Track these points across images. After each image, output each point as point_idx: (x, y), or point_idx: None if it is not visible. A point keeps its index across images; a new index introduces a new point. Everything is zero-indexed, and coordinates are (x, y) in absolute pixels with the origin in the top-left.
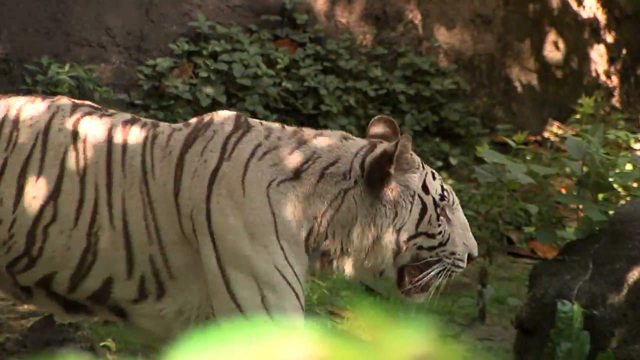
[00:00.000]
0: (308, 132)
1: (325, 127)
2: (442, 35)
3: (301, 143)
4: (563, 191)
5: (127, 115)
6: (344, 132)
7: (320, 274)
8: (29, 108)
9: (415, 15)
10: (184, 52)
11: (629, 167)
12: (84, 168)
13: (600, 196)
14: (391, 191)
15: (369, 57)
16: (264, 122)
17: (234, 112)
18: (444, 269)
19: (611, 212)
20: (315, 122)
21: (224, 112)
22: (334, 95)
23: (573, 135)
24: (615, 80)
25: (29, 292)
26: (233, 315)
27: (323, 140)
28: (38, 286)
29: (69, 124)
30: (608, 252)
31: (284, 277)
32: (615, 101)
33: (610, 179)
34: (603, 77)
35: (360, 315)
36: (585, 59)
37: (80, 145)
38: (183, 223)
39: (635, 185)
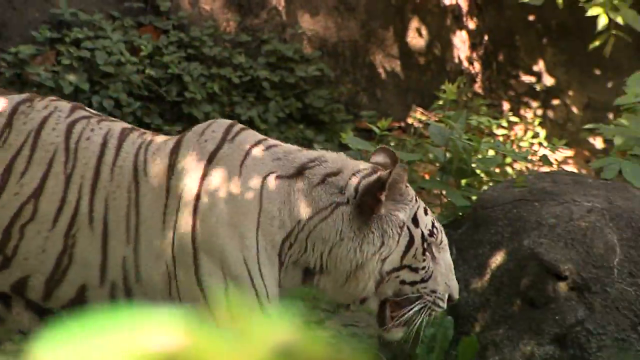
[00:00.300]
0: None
1: (190, 114)
2: (306, 22)
3: (308, 146)
4: (426, 177)
5: (128, 125)
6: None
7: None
8: (25, 107)
9: (278, 2)
10: (47, 40)
11: (491, 152)
12: (72, 168)
13: (463, 182)
14: (380, 219)
15: (233, 44)
16: None
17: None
18: (424, 307)
19: (474, 198)
20: (179, 109)
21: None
22: (198, 82)
23: (436, 121)
24: (477, 67)
25: (7, 302)
26: (196, 301)
27: (329, 151)
28: (14, 292)
29: (63, 124)
30: (471, 238)
31: (249, 272)
32: (477, 87)
33: (473, 165)
34: (465, 64)
35: (225, 304)
36: (448, 46)
37: (72, 146)
38: (168, 206)
39: (497, 170)
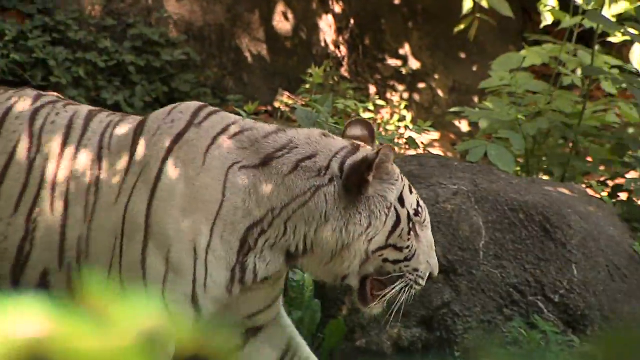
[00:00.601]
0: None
1: None
2: (172, 6)
3: (279, 130)
4: None
5: (96, 108)
6: (323, 130)
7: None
8: None
9: None
10: None
11: None
12: (36, 153)
13: None
14: (367, 200)
15: (98, 28)
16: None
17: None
18: (406, 285)
19: None
20: None
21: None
22: (64, 66)
23: (303, 105)
24: (343, 51)
25: None
26: (136, 279)
27: (302, 131)
28: None
29: (27, 111)
30: None
31: (194, 261)
32: (344, 71)
33: None
34: (332, 48)
35: (91, 291)
36: (314, 30)
37: (36, 132)
38: (125, 182)
39: None
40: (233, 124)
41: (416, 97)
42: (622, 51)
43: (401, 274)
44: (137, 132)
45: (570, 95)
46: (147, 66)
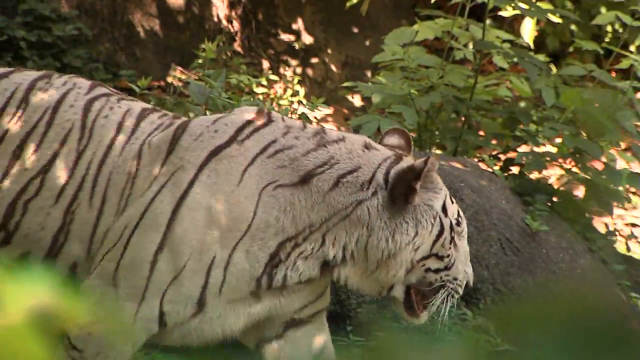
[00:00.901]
0: (331, 134)
1: None
2: None
3: (320, 145)
4: None
5: (149, 106)
6: (367, 139)
7: None
8: (42, 83)
9: None
10: None
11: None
12: (85, 146)
13: None
14: (414, 209)
15: None
16: (285, 117)
17: (258, 106)
18: (448, 295)
19: None
20: None
21: (248, 107)
22: None
23: (196, 80)
24: (236, 26)
25: None
26: (136, 273)
27: (344, 145)
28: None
29: (82, 101)
30: None
31: (210, 269)
32: (237, 46)
33: None
34: (224, 22)
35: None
36: (207, 4)
37: (88, 124)
38: (157, 177)
39: None
40: (274, 142)
41: (309, 72)
42: (513, 25)
43: (442, 283)
44: (178, 131)
45: (462, 69)
46: (39, 41)
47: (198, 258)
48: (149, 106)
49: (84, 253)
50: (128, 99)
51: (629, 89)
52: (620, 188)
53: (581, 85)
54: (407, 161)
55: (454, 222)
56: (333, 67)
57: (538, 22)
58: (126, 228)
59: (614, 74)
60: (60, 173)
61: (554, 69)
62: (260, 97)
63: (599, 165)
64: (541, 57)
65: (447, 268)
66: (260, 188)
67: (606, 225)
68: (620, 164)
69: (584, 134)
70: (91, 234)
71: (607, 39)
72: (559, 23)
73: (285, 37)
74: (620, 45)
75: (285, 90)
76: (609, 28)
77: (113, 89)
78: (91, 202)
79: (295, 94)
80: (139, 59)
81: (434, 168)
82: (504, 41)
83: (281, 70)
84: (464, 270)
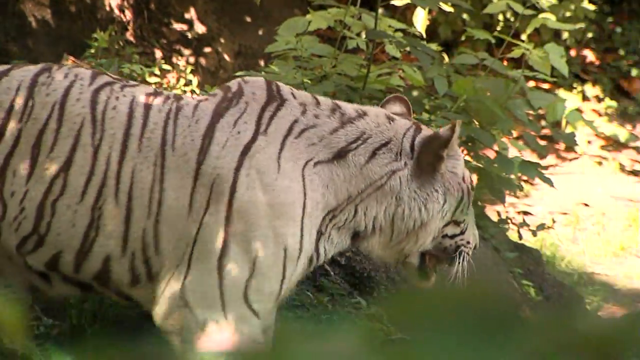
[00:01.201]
0: (347, 109)
1: None
2: None
3: (345, 122)
4: None
5: (150, 88)
6: (386, 111)
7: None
8: (44, 77)
9: None
10: None
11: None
12: (100, 140)
13: None
14: (442, 177)
15: None
16: (294, 91)
17: (263, 80)
18: (463, 259)
19: None
20: None
21: (253, 79)
22: None
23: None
24: (128, 15)
25: (46, 278)
26: (209, 286)
27: (370, 120)
28: (48, 269)
29: (87, 93)
30: None
31: (285, 259)
32: (129, 35)
33: None
34: (117, 12)
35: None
36: None
37: (98, 117)
38: (196, 193)
39: None
40: (296, 121)
41: (202, 61)
42: (405, 14)
43: (457, 247)
44: (205, 141)
45: (355, 58)
46: None
47: (269, 253)
48: (151, 90)
49: (118, 249)
50: (130, 85)
51: (520, 78)
52: (512, 176)
53: (473, 74)
54: (427, 129)
55: (470, 187)
56: (226, 57)
57: (430, 11)
58: (187, 246)
59: (505, 63)
60: (81, 170)
61: (446, 58)
62: (153, 86)
63: (491, 154)
64: (433, 46)
65: (462, 232)
66: (301, 167)
67: (498, 213)
68: (512, 152)
69: (476, 123)
70: (124, 230)
71: (499, 28)
72: (451, 12)
73: (178, 26)
74: (512, 34)
75: (178, 80)
76: (500, 17)
77: (113, 75)
78: (117, 198)
79: (188, 83)
80: (31, 49)
81: (457, 135)
82: (397, 30)
83: (174, 59)
84: (473, 233)
